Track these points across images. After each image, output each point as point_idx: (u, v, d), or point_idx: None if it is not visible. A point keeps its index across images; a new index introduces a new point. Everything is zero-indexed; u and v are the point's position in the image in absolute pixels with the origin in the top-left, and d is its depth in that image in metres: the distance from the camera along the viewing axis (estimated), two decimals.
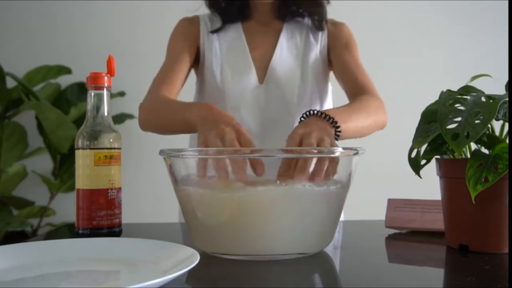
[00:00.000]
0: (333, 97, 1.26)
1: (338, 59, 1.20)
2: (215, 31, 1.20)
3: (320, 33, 1.22)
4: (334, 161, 0.68)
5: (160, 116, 1.04)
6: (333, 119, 0.86)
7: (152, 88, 1.13)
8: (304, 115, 0.88)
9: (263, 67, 1.18)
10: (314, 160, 0.67)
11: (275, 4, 1.19)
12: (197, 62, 1.22)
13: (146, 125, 1.11)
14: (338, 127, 0.86)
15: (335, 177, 0.68)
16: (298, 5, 1.20)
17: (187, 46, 1.19)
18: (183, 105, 0.97)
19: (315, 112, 0.87)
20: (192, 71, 1.24)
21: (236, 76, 1.16)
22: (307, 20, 1.23)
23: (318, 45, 1.21)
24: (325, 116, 0.85)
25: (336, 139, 0.86)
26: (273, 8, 1.21)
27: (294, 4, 1.20)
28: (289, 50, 1.20)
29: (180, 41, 1.20)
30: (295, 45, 1.21)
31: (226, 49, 1.19)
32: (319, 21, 1.21)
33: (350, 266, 0.64)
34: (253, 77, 1.17)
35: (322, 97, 1.22)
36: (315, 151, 0.69)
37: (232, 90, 1.15)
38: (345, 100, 1.17)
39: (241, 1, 1.18)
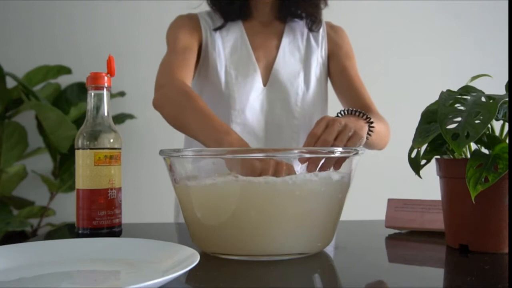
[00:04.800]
0: (329, 97, 1.26)
1: (341, 71, 1.21)
2: (218, 28, 1.19)
3: (320, 36, 1.23)
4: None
5: (179, 115, 0.96)
6: (367, 115, 0.89)
7: (165, 68, 1.07)
8: (339, 114, 0.91)
9: (266, 70, 1.18)
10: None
11: (275, 4, 1.19)
12: (197, 59, 1.20)
13: (160, 109, 1.03)
14: (372, 122, 0.89)
15: (335, 177, 0.68)
16: (297, 5, 1.20)
17: (194, 36, 1.15)
18: (211, 123, 0.88)
19: (350, 111, 0.90)
20: None
21: (241, 77, 1.16)
22: (305, 22, 1.23)
23: (319, 49, 1.22)
24: (359, 114, 0.89)
25: (368, 137, 0.89)
26: (273, 9, 1.21)
27: (293, 5, 1.20)
28: (291, 53, 1.20)
29: (184, 32, 1.15)
30: (297, 48, 1.21)
31: (229, 48, 1.18)
32: (315, 23, 1.21)
33: (350, 266, 0.64)
34: (257, 79, 1.16)
35: (323, 99, 1.23)
36: (316, 151, 0.69)
37: (236, 92, 1.15)
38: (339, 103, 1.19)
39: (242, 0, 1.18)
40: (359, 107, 1.14)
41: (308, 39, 1.22)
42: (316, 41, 1.22)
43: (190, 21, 1.19)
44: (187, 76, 1.07)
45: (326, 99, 1.24)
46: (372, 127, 0.90)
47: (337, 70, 1.22)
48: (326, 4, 1.21)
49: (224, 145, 0.81)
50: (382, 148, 1.11)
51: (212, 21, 1.20)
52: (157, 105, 1.04)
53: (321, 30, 1.23)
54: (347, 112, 0.90)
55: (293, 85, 1.17)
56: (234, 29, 1.20)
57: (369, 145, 1.01)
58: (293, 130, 1.17)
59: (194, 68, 1.13)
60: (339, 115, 0.91)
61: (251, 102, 1.15)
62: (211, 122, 0.88)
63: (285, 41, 1.20)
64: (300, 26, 1.23)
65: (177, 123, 0.99)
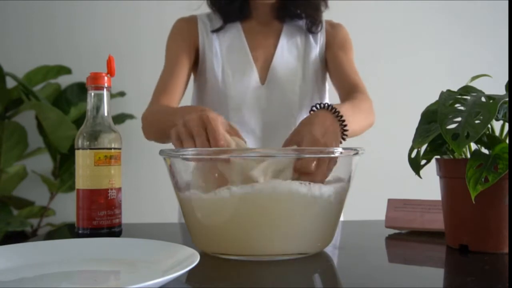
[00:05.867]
0: (328, 96, 1.26)
1: (333, 59, 1.21)
2: (216, 30, 1.20)
3: (319, 34, 1.22)
4: (332, 160, 0.68)
5: (158, 126, 1.03)
6: (342, 117, 0.83)
7: (153, 98, 1.14)
8: (314, 108, 0.85)
9: (264, 68, 1.18)
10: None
11: (275, 4, 1.19)
12: (196, 62, 1.21)
13: (148, 135, 1.12)
14: (345, 125, 0.84)
15: (335, 177, 0.68)
16: (296, 6, 1.20)
17: (186, 47, 1.18)
18: (173, 113, 0.95)
19: (326, 105, 0.84)
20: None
21: (238, 76, 1.16)
22: (305, 22, 1.23)
23: (317, 46, 1.22)
24: (334, 112, 0.83)
25: (343, 138, 0.85)
26: (273, 9, 1.21)
27: (292, 5, 1.20)
28: (289, 51, 1.20)
29: (178, 43, 1.19)
30: (296, 46, 1.21)
31: (226, 48, 1.18)
32: (315, 24, 1.21)
33: (350, 266, 0.64)
34: (254, 77, 1.17)
35: (321, 96, 1.23)
36: (315, 151, 0.69)
37: (233, 91, 1.15)
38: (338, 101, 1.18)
39: (242, 0, 1.18)
40: (347, 88, 1.14)
41: (307, 37, 1.22)
42: (315, 39, 1.22)
43: (187, 26, 1.21)
44: (174, 96, 1.13)
45: (324, 95, 1.24)
46: (346, 129, 0.85)
47: (330, 58, 1.21)
48: (326, 6, 1.21)
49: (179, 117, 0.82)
50: (366, 129, 1.08)
51: (210, 23, 1.21)
52: (147, 136, 1.13)
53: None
54: (321, 107, 0.85)
55: (291, 82, 1.17)
56: (232, 30, 1.20)
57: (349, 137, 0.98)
58: (291, 128, 1.16)
59: (184, 84, 1.17)
60: (311, 112, 0.85)
61: (248, 101, 1.15)
62: (173, 108, 0.98)
63: (283, 40, 1.20)
64: (299, 25, 1.23)
65: (163, 139, 1.05)
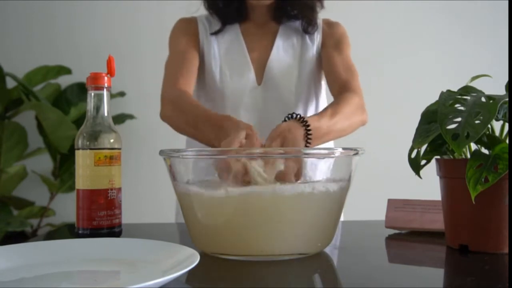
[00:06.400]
0: (326, 95, 1.26)
1: (327, 58, 1.21)
2: (215, 33, 1.20)
3: (315, 34, 1.23)
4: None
5: (191, 124, 1.03)
6: (307, 122, 0.90)
7: (169, 78, 1.12)
8: (286, 118, 0.93)
9: (260, 68, 1.19)
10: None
11: (272, 6, 1.20)
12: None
13: (169, 121, 1.10)
14: (309, 129, 0.91)
15: (336, 177, 0.68)
16: (292, 7, 1.20)
17: (192, 42, 1.19)
18: (214, 117, 0.96)
19: (296, 116, 0.92)
20: None
21: (235, 76, 1.17)
22: (301, 23, 1.23)
23: (314, 46, 1.22)
24: (302, 121, 0.91)
25: (309, 143, 0.91)
26: (270, 10, 1.21)
27: (288, 6, 1.20)
28: (285, 51, 1.20)
29: (184, 37, 1.19)
30: (292, 46, 1.21)
31: (224, 50, 1.19)
32: (311, 25, 1.21)
33: (350, 266, 0.64)
34: (251, 77, 1.17)
35: (317, 95, 1.23)
36: (312, 151, 0.69)
37: (231, 91, 1.16)
38: None
39: (239, 2, 1.19)
40: (338, 87, 1.15)
41: (303, 37, 1.22)
42: (311, 38, 1.22)
43: (189, 26, 1.22)
44: (190, 84, 1.12)
45: (320, 94, 1.24)
46: (310, 134, 0.91)
47: (324, 57, 1.21)
48: (322, 6, 1.21)
49: (226, 130, 0.88)
50: (350, 133, 1.10)
51: (209, 25, 1.22)
52: (167, 116, 1.09)
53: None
54: (291, 117, 0.93)
55: (287, 82, 1.18)
56: (230, 32, 1.21)
57: (331, 140, 1.03)
58: None
59: (196, 71, 1.17)
60: (286, 118, 0.93)
61: (245, 101, 1.16)
62: (214, 117, 0.97)
63: (280, 40, 1.21)
64: (295, 25, 1.24)
65: (189, 131, 1.04)
